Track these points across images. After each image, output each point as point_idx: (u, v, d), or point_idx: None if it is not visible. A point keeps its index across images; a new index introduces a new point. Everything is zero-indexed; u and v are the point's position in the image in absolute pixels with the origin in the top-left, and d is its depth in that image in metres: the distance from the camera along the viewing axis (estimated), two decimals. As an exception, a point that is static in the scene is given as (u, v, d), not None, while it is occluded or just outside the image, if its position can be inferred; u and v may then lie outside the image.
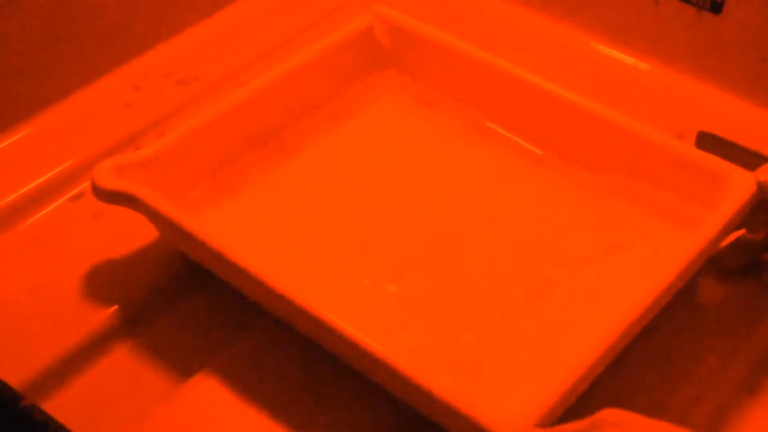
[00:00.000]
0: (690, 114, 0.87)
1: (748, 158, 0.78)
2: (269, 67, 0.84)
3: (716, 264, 0.75)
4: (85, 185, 0.80)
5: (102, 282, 0.74)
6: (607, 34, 0.95)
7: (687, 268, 0.68)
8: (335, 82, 0.84)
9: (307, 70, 0.82)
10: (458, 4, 0.98)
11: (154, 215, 0.71)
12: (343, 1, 0.98)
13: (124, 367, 0.70)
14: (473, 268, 0.73)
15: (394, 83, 0.86)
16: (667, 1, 0.91)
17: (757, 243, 0.74)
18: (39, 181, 0.81)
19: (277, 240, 0.74)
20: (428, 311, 0.71)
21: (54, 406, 0.67)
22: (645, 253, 0.73)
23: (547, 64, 0.86)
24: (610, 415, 0.57)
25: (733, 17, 0.88)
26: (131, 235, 0.76)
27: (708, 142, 0.84)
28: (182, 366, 0.70)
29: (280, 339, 0.71)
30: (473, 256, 0.74)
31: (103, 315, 0.72)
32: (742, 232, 0.74)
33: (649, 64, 0.93)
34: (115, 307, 0.73)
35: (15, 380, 0.64)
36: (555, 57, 0.92)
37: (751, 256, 0.75)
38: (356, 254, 0.74)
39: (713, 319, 0.74)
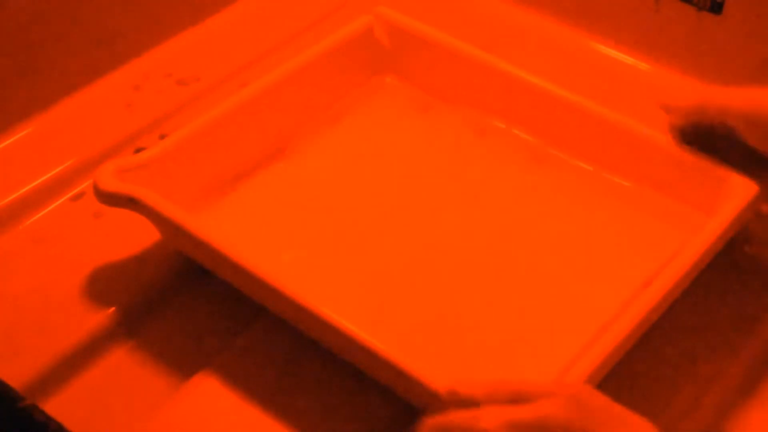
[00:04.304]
0: (690, 114, 0.87)
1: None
2: (269, 67, 0.84)
3: None
4: (85, 185, 0.80)
5: (102, 282, 0.74)
6: (607, 34, 0.95)
7: (689, 272, 0.68)
8: (335, 82, 0.84)
9: (307, 72, 0.82)
10: (458, 4, 0.98)
11: (155, 217, 0.71)
12: (343, 2, 0.98)
13: (124, 367, 0.70)
14: (470, 264, 0.74)
15: (394, 83, 0.86)
16: (667, 1, 0.91)
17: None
18: (39, 181, 0.81)
19: (278, 239, 0.74)
20: (424, 304, 0.71)
21: (54, 406, 0.67)
22: (645, 254, 0.73)
23: (547, 64, 0.86)
24: (569, 387, 0.58)
25: (733, 17, 0.88)
26: (131, 235, 0.76)
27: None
28: (182, 366, 0.70)
29: (280, 339, 0.71)
30: (470, 252, 0.74)
31: (103, 315, 0.72)
32: None
33: (649, 64, 0.93)
34: (115, 307, 0.73)
35: (15, 380, 0.64)
36: (555, 57, 0.92)
37: None
38: (357, 252, 0.74)
39: (713, 320, 0.74)
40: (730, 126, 0.72)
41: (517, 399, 0.57)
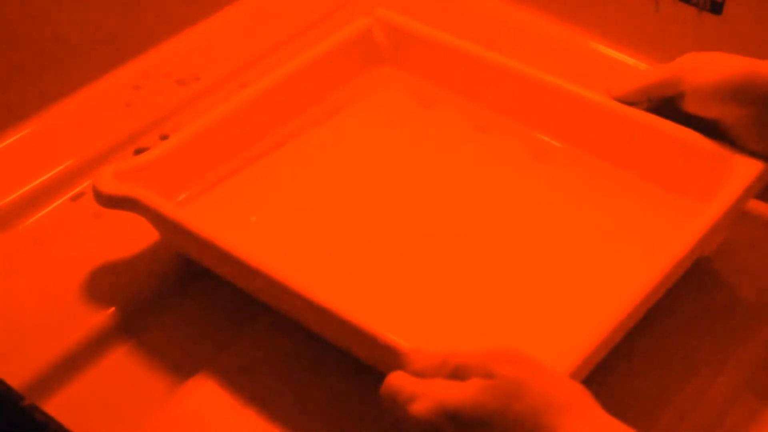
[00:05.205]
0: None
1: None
2: (269, 67, 0.84)
3: None
4: (85, 185, 0.80)
5: (102, 282, 0.74)
6: (607, 34, 0.95)
7: (690, 252, 0.68)
8: (334, 83, 0.84)
9: (307, 73, 0.82)
10: (458, 5, 0.98)
11: (156, 218, 0.71)
12: (343, 2, 0.98)
13: (123, 367, 0.70)
14: (469, 253, 0.74)
15: (393, 84, 0.86)
16: (667, 1, 0.91)
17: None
18: (39, 181, 0.81)
19: (279, 237, 0.74)
20: (422, 294, 0.71)
21: (54, 406, 0.67)
22: (648, 235, 0.74)
23: (547, 64, 0.86)
24: (505, 351, 0.58)
25: (733, 17, 0.88)
26: (131, 235, 0.76)
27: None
28: (181, 367, 0.70)
29: (279, 340, 0.71)
30: (469, 241, 0.74)
31: (103, 315, 0.72)
32: None
33: (649, 65, 0.93)
34: (115, 307, 0.73)
35: (15, 380, 0.64)
36: (555, 57, 0.92)
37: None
38: (361, 246, 0.74)
39: (714, 319, 0.74)
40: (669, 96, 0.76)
41: (457, 374, 0.57)
